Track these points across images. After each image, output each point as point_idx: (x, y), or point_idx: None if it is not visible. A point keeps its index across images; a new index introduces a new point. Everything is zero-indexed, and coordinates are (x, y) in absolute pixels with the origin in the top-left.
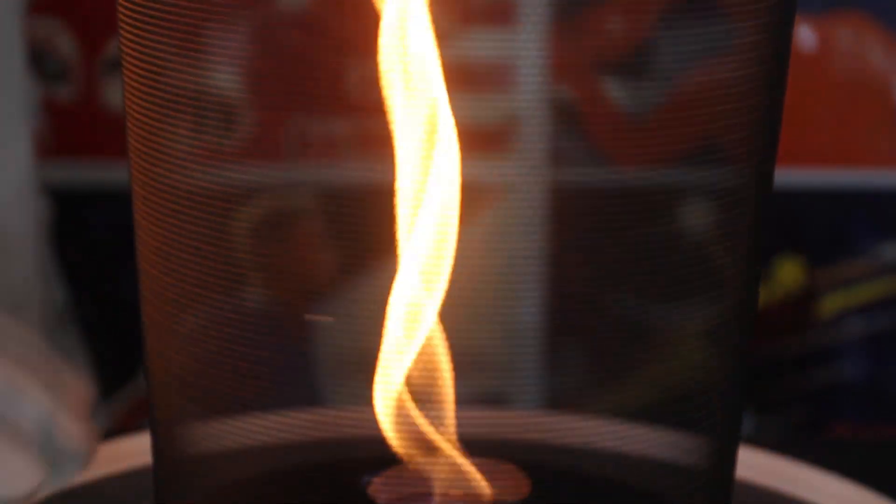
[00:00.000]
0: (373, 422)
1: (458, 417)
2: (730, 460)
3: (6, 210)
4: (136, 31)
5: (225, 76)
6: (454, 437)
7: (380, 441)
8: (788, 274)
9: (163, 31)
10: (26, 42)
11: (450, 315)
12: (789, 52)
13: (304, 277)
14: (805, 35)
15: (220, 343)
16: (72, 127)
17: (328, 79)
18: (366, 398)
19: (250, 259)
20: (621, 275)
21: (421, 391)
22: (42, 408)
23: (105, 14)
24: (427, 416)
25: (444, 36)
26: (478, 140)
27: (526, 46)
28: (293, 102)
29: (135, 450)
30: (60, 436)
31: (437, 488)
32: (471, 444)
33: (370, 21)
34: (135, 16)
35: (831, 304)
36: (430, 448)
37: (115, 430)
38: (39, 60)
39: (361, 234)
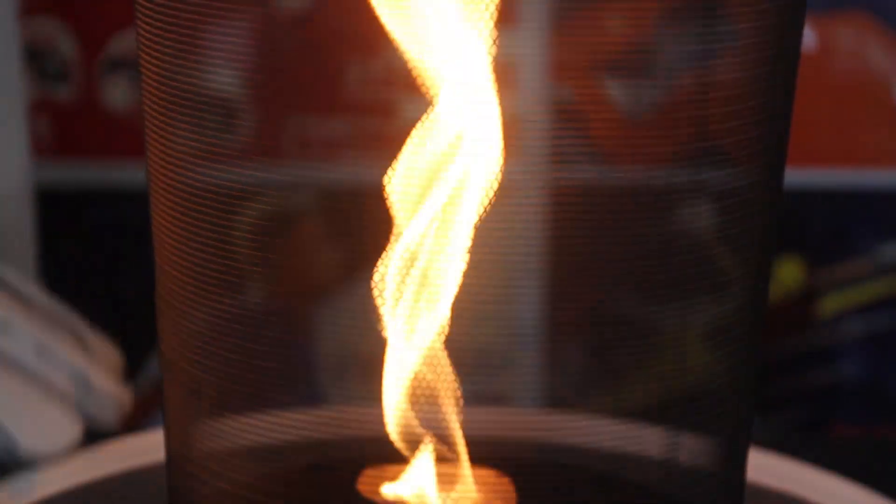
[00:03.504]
0: (375, 421)
1: (460, 418)
2: (738, 461)
3: (3, 209)
4: (153, 32)
5: (237, 77)
6: (458, 438)
7: (381, 441)
8: (788, 274)
9: (178, 33)
10: (27, 42)
11: (450, 315)
12: (798, 53)
13: (310, 276)
14: (805, 35)
15: (231, 341)
16: (72, 127)
17: (334, 78)
18: (368, 398)
19: (263, 258)
20: (622, 275)
21: (425, 391)
22: (76, 365)
23: (105, 14)
24: (432, 418)
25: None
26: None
27: (526, 46)
28: (305, 102)
29: (136, 449)
30: (95, 393)
31: (434, 489)
32: (471, 444)
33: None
34: (151, 17)
35: (831, 304)
36: (433, 449)
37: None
38: (39, 60)
39: (365, 233)
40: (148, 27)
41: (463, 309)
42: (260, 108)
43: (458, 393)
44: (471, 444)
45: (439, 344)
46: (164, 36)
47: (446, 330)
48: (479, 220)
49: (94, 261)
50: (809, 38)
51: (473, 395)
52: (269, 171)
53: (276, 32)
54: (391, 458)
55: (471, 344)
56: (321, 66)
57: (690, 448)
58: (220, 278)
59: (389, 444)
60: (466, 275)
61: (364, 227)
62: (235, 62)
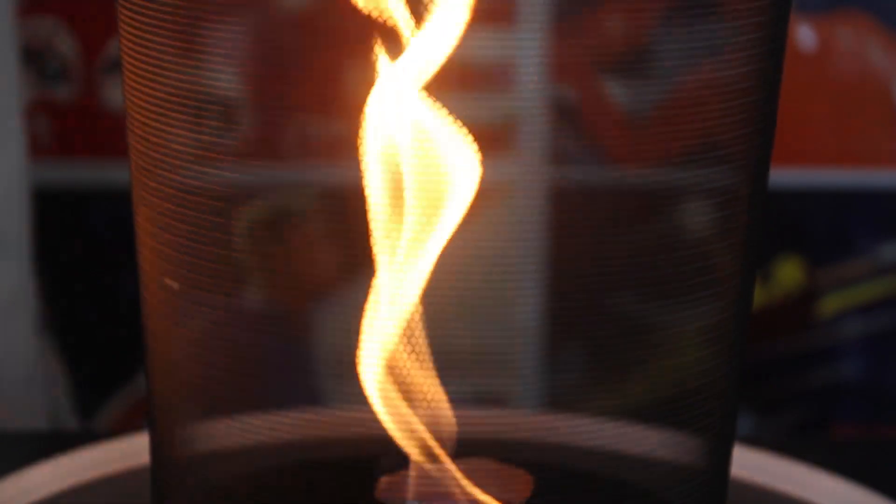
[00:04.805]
0: (373, 422)
1: (457, 417)
2: (726, 458)
3: (0, 210)
4: (135, 31)
5: (224, 76)
6: (453, 437)
7: (380, 441)
8: (788, 274)
9: (162, 31)
10: (26, 42)
11: (450, 315)
12: (784, 51)
13: (303, 277)
14: (805, 35)
15: (220, 343)
16: (72, 127)
17: (327, 78)
18: (365, 398)
19: (250, 259)
20: (621, 274)
21: (411, 389)
22: None
23: (105, 14)
24: (425, 416)
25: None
26: (478, 140)
27: (526, 46)
28: (293, 102)
29: (135, 450)
30: None
31: (442, 489)
32: (471, 444)
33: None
34: (134, 15)
35: (831, 304)
36: (431, 449)
37: (115, 430)
38: (39, 60)
39: (361, 234)
40: (135, 26)
41: (462, 309)
42: (257, 108)
43: (454, 392)
44: (470, 444)
45: (433, 342)
46: (154, 35)
47: (443, 329)
48: (479, 219)
49: (93, 261)
50: (809, 38)
51: (473, 395)
52: (268, 172)
53: (273, 31)
54: (390, 458)
55: (471, 344)
56: (321, 66)
57: (684, 446)
58: (216, 280)
59: (389, 444)
60: (466, 275)
61: (364, 227)
62: (231, 61)
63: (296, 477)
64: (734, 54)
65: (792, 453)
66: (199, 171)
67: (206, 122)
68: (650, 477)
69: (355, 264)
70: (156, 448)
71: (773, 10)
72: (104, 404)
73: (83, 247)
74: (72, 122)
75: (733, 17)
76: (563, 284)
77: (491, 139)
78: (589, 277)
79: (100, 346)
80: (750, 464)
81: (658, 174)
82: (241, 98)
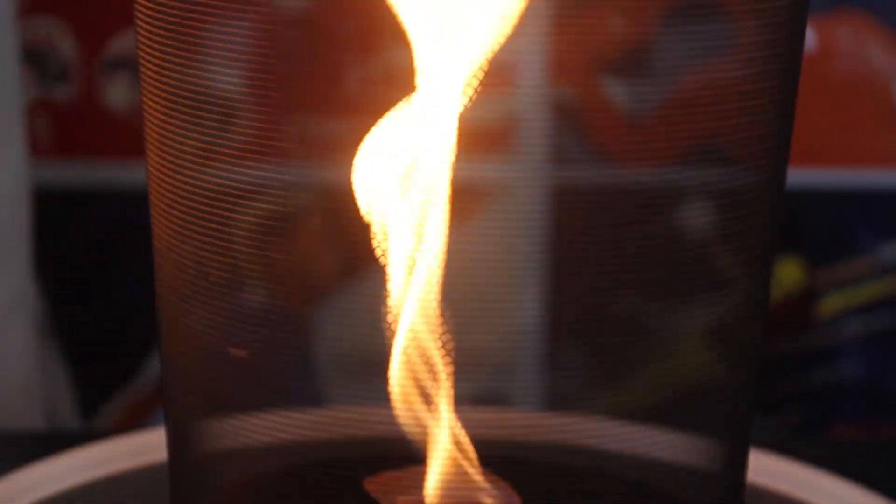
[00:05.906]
0: (376, 421)
1: (457, 418)
2: (739, 461)
3: (1, 210)
4: (152, 31)
5: (236, 76)
6: (453, 437)
7: (380, 441)
8: (788, 274)
9: (178, 31)
10: (27, 42)
11: (450, 315)
12: (801, 54)
13: (310, 276)
14: (805, 35)
15: (227, 341)
16: (71, 127)
17: (333, 78)
18: (368, 398)
19: (262, 258)
20: (623, 275)
21: (414, 391)
22: None
23: (105, 14)
24: (424, 416)
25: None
26: (478, 140)
27: (526, 46)
28: (303, 102)
29: (136, 450)
30: None
31: (434, 490)
32: (472, 445)
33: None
34: (152, 16)
35: (831, 304)
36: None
37: (115, 430)
38: (39, 60)
39: (363, 234)
40: (147, 25)
41: (463, 309)
42: (260, 108)
43: (455, 392)
44: (471, 444)
45: (437, 342)
46: (163, 34)
47: (443, 328)
48: (480, 219)
49: (94, 261)
50: (809, 38)
51: (474, 395)
52: (269, 171)
53: (276, 31)
54: (391, 458)
55: (471, 344)
56: (321, 66)
57: (691, 448)
58: (220, 278)
59: (389, 444)
60: (466, 275)
61: (364, 227)
62: (236, 61)
63: (297, 477)
64: (743, 55)
65: (792, 453)
66: (212, 170)
67: (218, 122)
68: (651, 477)
69: (357, 263)
70: (172, 446)
71: (784, 12)
72: (104, 404)
73: (83, 247)
74: (72, 122)
75: (745, 18)
76: (564, 284)
77: (491, 139)
78: (589, 277)
79: (100, 346)
80: (750, 464)
81: (661, 174)
82: (248, 97)
